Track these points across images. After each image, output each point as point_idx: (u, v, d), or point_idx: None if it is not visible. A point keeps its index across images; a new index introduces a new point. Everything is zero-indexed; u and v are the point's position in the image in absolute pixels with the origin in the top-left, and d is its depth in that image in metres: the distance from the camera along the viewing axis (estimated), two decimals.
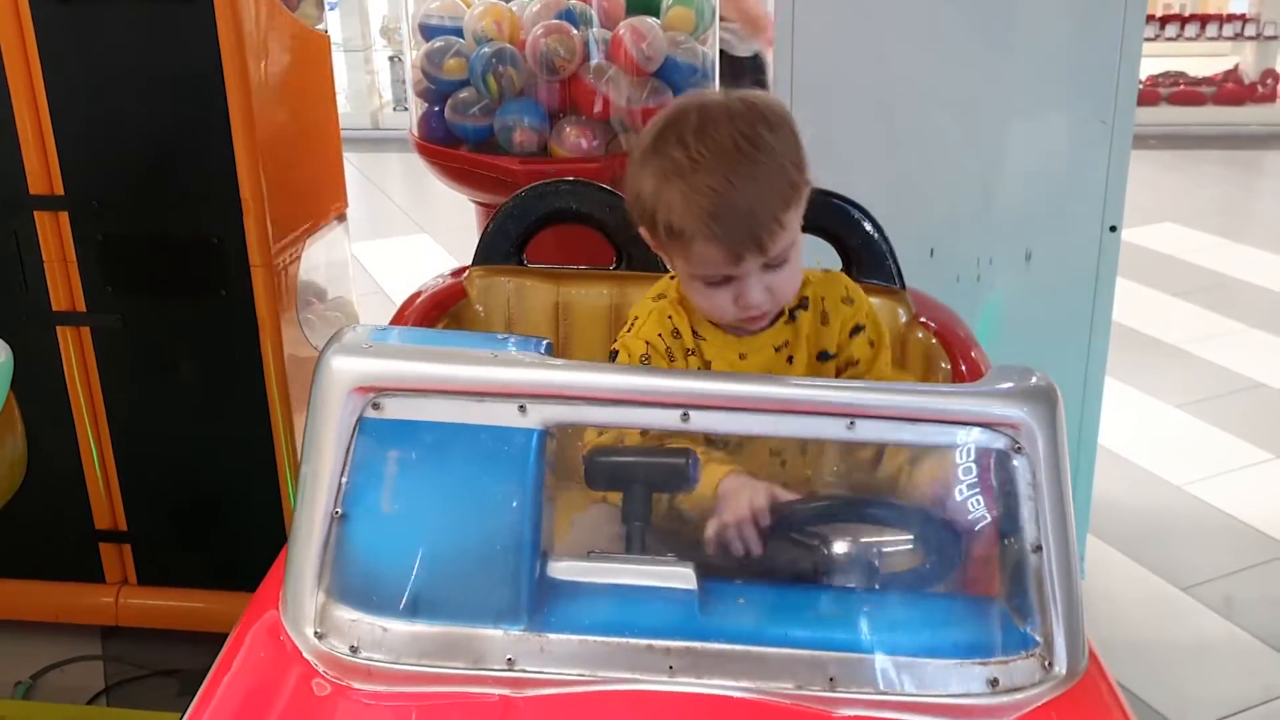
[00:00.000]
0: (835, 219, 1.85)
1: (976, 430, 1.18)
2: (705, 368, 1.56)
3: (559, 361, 1.21)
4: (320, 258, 2.68)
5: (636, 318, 1.61)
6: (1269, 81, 7.38)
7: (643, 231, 1.53)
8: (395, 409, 1.19)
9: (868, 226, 1.86)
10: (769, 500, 1.32)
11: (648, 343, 1.56)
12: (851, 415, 1.18)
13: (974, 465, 1.21)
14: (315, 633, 1.19)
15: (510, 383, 1.18)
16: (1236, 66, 7.61)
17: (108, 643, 2.68)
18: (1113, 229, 2.48)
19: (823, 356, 1.61)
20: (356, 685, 1.18)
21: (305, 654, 1.19)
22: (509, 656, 1.17)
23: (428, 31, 2.84)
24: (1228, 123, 7.26)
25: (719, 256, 1.42)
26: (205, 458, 2.51)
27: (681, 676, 1.16)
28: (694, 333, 1.57)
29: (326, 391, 1.19)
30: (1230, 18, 7.53)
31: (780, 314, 1.58)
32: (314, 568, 1.19)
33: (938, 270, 2.53)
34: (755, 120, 1.43)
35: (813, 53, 2.42)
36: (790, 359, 1.59)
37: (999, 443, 1.17)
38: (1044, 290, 2.53)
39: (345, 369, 1.19)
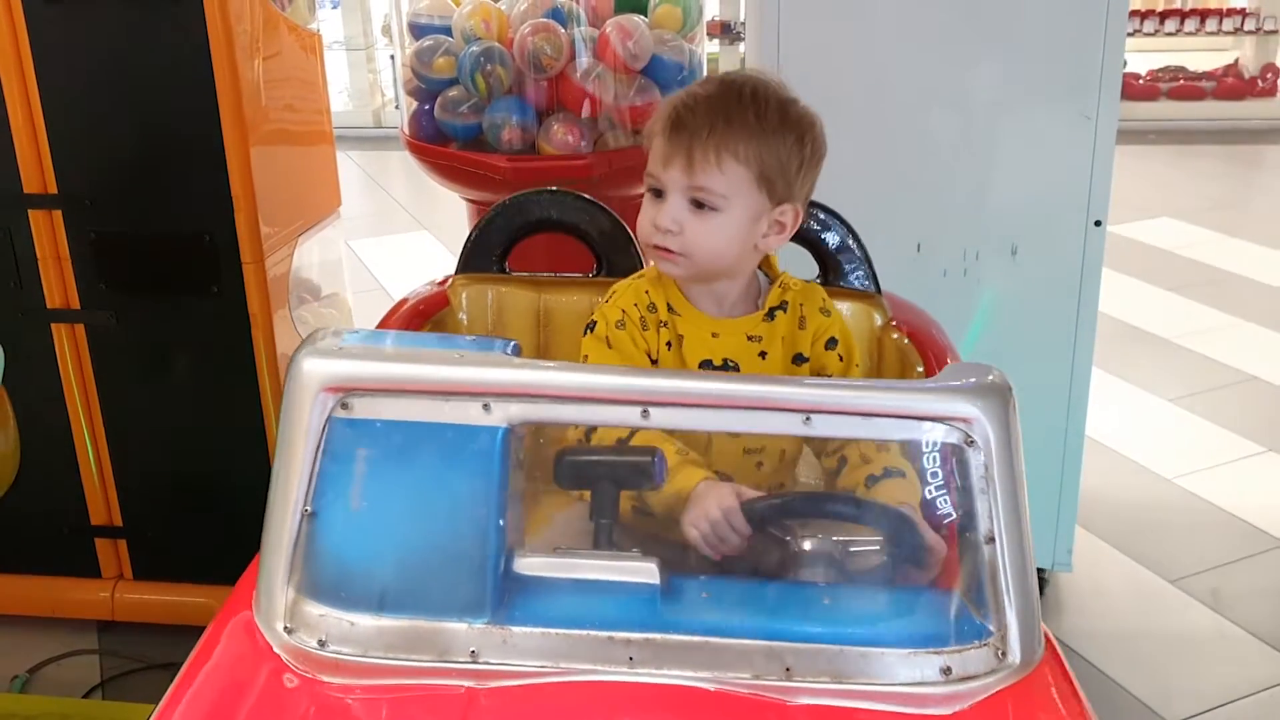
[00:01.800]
0: (811, 225, 1.90)
1: (930, 425, 1.20)
2: (677, 340, 1.61)
3: (522, 361, 1.23)
4: (314, 255, 2.70)
5: (615, 291, 1.66)
6: (1269, 76, 7.37)
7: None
8: (364, 408, 1.21)
9: (843, 233, 1.90)
10: (735, 501, 1.36)
11: (623, 310, 1.61)
12: (808, 411, 1.20)
13: (929, 460, 1.23)
14: (285, 628, 1.21)
15: (474, 382, 1.20)
16: (1237, 61, 7.60)
17: (104, 637, 2.71)
18: (1098, 223, 2.49)
19: (798, 359, 1.66)
20: (324, 678, 1.19)
21: (276, 648, 1.21)
22: (472, 649, 1.18)
23: (417, 30, 2.86)
24: (1227, 117, 7.25)
25: (659, 154, 1.54)
26: (199, 453, 2.53)
27: (641, 667, 1.17)
28: (669, 308, 1.62)
29: (297, 392, 1.21)
30: (1230, 12, 7.51)
31: (759, 309, 1.64)
32: (284, 564, 1.22)
33: (924, 265, 2.54)
34: (777, 97, 1.55)
35: (798, 49, 2.43)
36: (764, 354, 1.63)
37: (952, 437, 1.19)
38: (1030, 284, 2.54)
39: (315, 370, 1.21)
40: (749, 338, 1.63)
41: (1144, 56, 7.63)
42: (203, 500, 2.56)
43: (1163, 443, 3.56)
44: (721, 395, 1.22)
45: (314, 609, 1.21)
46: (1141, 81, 7.37)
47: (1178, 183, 6.42)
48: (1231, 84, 7.34)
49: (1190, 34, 7.45)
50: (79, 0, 2.22)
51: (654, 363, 1.61)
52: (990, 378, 1.22)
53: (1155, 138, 7.01)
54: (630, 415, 1.20)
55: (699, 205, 1.53)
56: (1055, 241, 2.51)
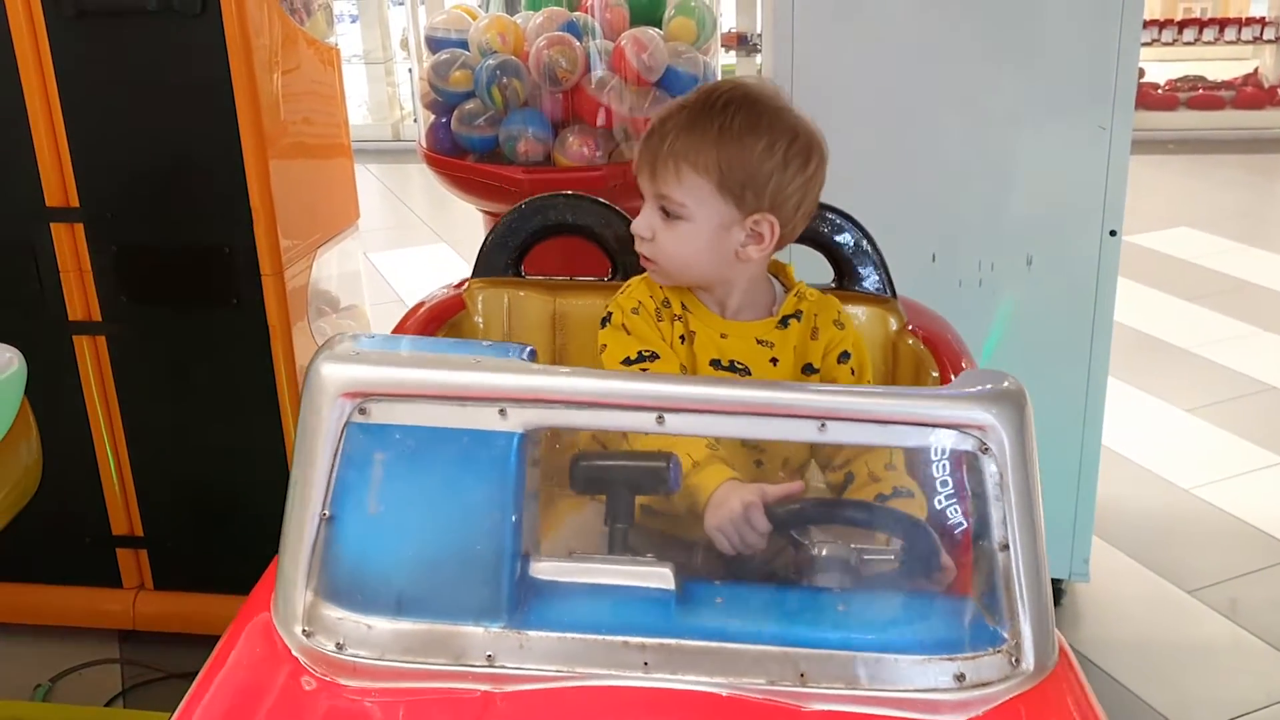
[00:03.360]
0: (825, 229, 1.90)
1: (945, 432, 1.20)
2: (689, 335, 1.63)
3: (538, 367, 1.23)
4: (333, 267, 2.72)
5: (630, 285, 1.69)
6: None
7: None
8: (381, 414, 1.21)
9: (857, 236, 1.90)
10: (758, 498, 1.37)
11: (639, 300, 1.63)
12: (823, 418, 1.20)
13: (944, 467, 1.24)
14: (303, 631, 1.22)
15: (491, 387, 1.20)
16: (1256, 70, 7.57)
17: (125, 646, 2.73)
18: (1113, 233, 2.49)
19: (808, 369, 1.66)
20: (342, 681, 1.20)
21: (294, 651, 1.22)
22: (489, 653, 1.19)
23: (434, 44, 2.89)
24: (1247, 127, 7.22)
25: (636, 162, 1.59)
26: (219, 464, 2.56)
27: (656, 673, 1.18)
28: (683, 305, 1.64)
29: (315, 397, 1.22)
30: (1249, 21, 7.48)
31: (773, 316, 1.65)
32: (303, 568, 1.22)
33: (939, 275, 2.55)
34: (750, 106, 1.53)
35: (813, 60, 2.45)
36: (775, 360, 1.64)
37: (967, 444, 1.19)
38: (1045, 294, 2.55)
39: (333, 375, 1.21)
40: (759, 341, 1.64)
41: (1163, 66, 7.62)
42: (223, 510, 2.59)
43: (1181, 453, 3.55)
44: (737, 401, 1.22)
45: (332, 612, 1.22)
46: (1160, 91, 7.35)
47: (1197, 192, 6.40)
48: (1251, 93, 7.31)
49: (1209, 43, 7.42)
50: (101, 15, 2.25)
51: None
52: (1006, 384, 1.22)
53: (1174, 147, 6.99)
54: (646, 421, 1.21)
55: (668, 214, 1.56)
56: (1070, 252, 2.52)
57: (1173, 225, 5.64)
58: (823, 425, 1.20)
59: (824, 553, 1.32)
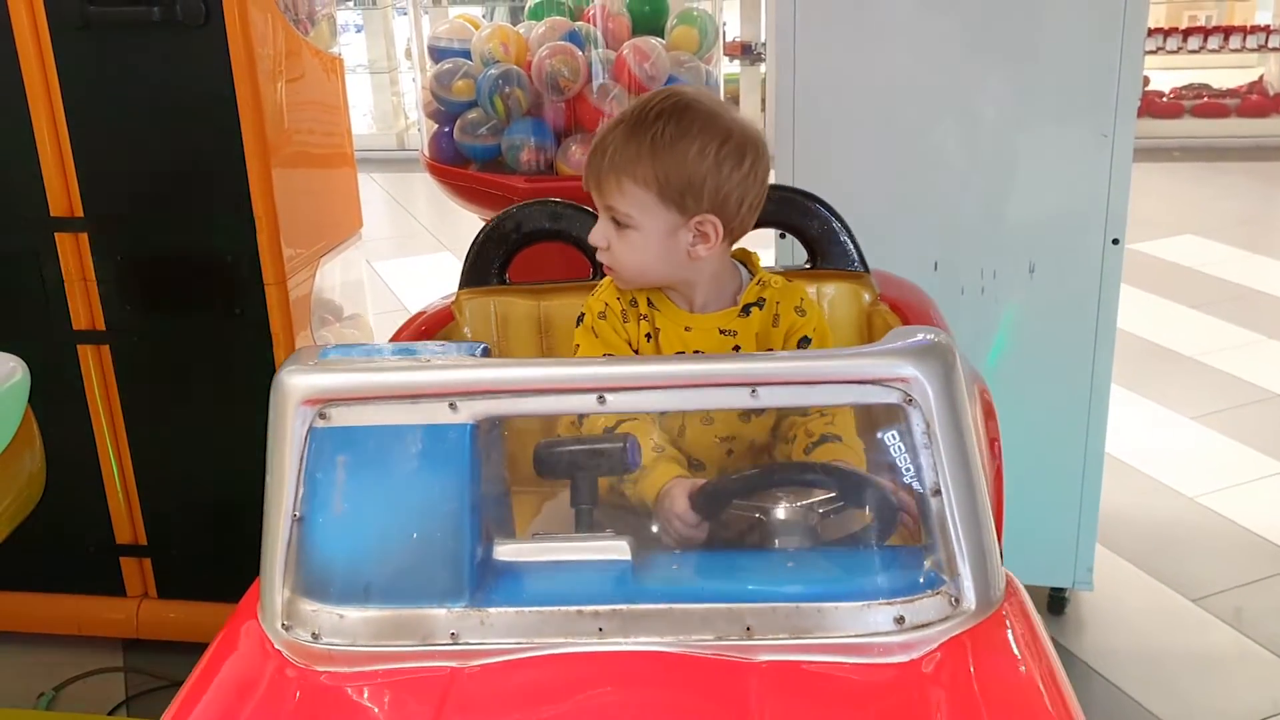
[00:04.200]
0: (793, 211, 1.95)
1: (870, 388, 1.25)
2: (654, 333, 1.69)
3: (482, 360, 1.30)
4: (335, 277, 2.73)
5: (601, 286, 1.75)
6: None
7: None
8: (340, 417, 1.28)
9: (825, 214, 1.95)
10: (684, 500, 1.44)
11: (605, 303, 1.70)
12: (753, 384, 1.25)
13: (876, 421, 1.30)
14: (283, 625, 1.28)
15: (440, 384, 1.27)
16: (1261, 78, 7.56)
17: (129, 654, 2.75)
18: (1115, 241, 2.49)
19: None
20: (319, 668, 1.26)
21: (276, 645, 1.28)
22: (453, 631, 1.25)
23: (437, 54, 2.90)
24: (1252, 134, 7.22)
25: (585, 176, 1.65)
26: (223, 473, 2.56)
27: (610, 637, 1.24)
28: (649, 302, 1.70)
29: (279, 407, 1.28)
30: (1254, 29, 7.49)
31: (735, 305, 1.70)
32: (279, 567, 1.29)
33: (942, 283, 2.55)
34: (681, 115, 1.57)
35: (815, 68, 2.46)
36: (737, 349, 1.68)
37: (892, 397, 1.24)
38: (1048, 302, 2.55)
39: (295, 385, 1.28)
40: (721, 331, 1.68)
41: (1167, 74, 7.62)
42: (226, 518, 2.58)
43: (1185, 461, 3.55)
44: (669, 376, 1.29)
45: (307, 605, 1.28)
46: (1165, 99, 7.35)
47: (1202, 200, 6.40)
48: (1256, 101, 7.30)
49: (1213, 51, 7.42)
50: (106, 26, 2.26)
51: (635, 352, 1.68)
52: (928, 338, 1.27)
53: (1179, 155, 6.99)
54: (588, 403, 1.27)
55: (619, 224, 1.61)
56: (1073, 259, 2.52)
57: (1178, 233, 5.64)
58: (754, 391, 1.25)
59: (781, 516, 1.37)
